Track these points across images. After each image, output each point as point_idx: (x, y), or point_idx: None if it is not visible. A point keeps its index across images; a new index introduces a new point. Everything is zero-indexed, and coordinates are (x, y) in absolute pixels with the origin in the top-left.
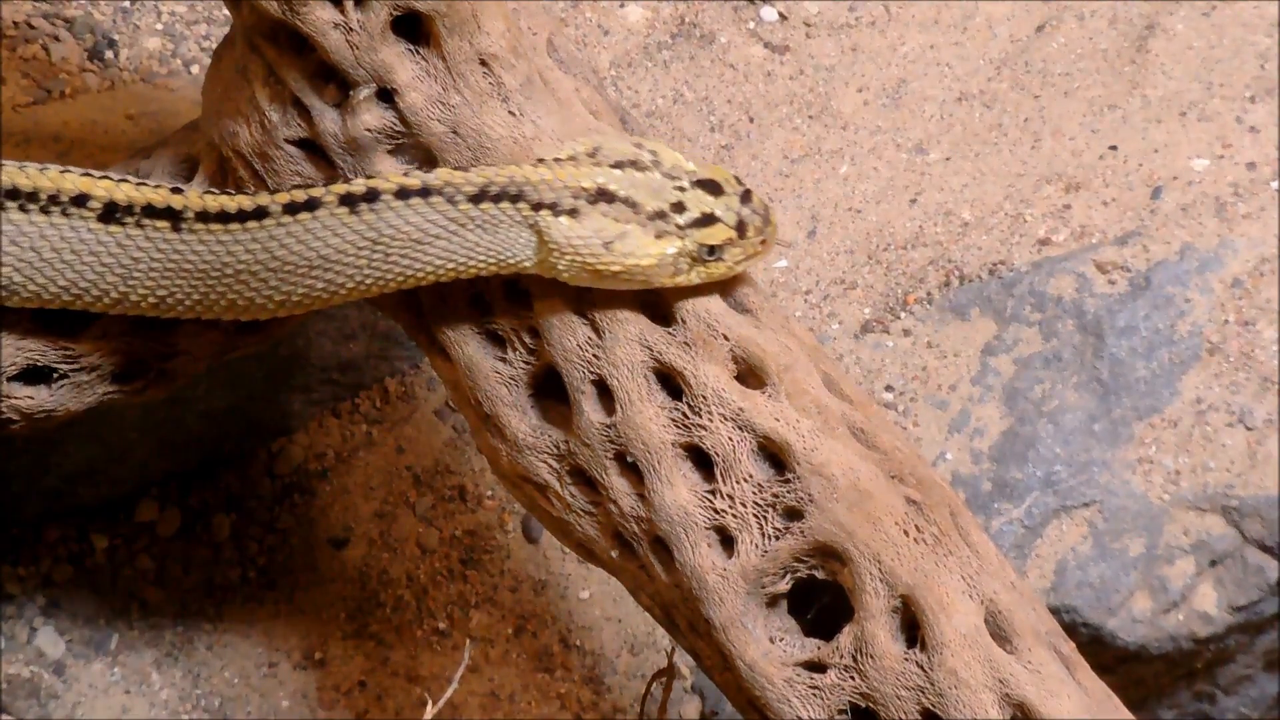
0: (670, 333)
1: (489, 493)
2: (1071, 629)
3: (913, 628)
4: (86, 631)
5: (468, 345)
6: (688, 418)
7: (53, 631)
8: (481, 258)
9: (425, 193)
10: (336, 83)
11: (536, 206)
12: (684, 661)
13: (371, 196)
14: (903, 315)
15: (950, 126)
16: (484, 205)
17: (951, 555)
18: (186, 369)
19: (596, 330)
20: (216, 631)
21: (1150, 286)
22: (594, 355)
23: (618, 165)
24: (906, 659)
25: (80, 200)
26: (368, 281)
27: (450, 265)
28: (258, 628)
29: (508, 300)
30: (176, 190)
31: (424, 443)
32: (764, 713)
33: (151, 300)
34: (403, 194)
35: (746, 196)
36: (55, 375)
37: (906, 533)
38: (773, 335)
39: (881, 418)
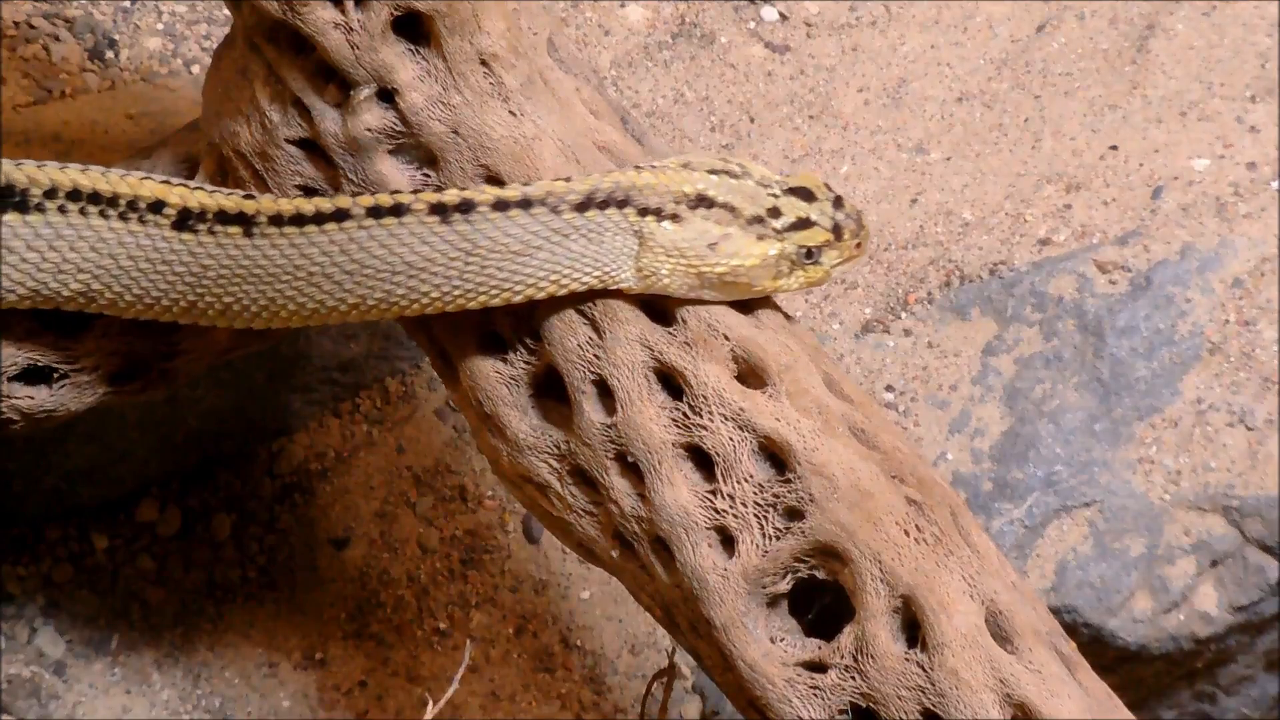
0: (671, 333)
1: (489, 493)
2: (1072, 629)
3: (913, 628)
4: (87, 631)
5: (469, 345)
6: (688, 418)
7: (53, 631)
8: (585, 270)
9: (526, 204)
10: (337, 83)
11: (642, 212)
12: (685, 661)
13: (466, 207)
14: (903, 315)
15: (951, 126)
16: (590, 213)
17: (952, 555)
18: (187, 369)
19: (597, 330)
20: (217, 631)
21: (1151, 286)
22: (595, 355)
23: (712, 172)
24: (907, 659)
25: (156, 207)
26: (456, 293)
27: (551, 279)
28: (258, 628)
29: None
30: (249, 196)
31: (424, 443)
32: (765, 713)
33: (218, 307)
34: (500, 206)
35: (839, 202)
36: (55, 375)
37: (907, 533)
38: (773, 335)
39: (882, 418)
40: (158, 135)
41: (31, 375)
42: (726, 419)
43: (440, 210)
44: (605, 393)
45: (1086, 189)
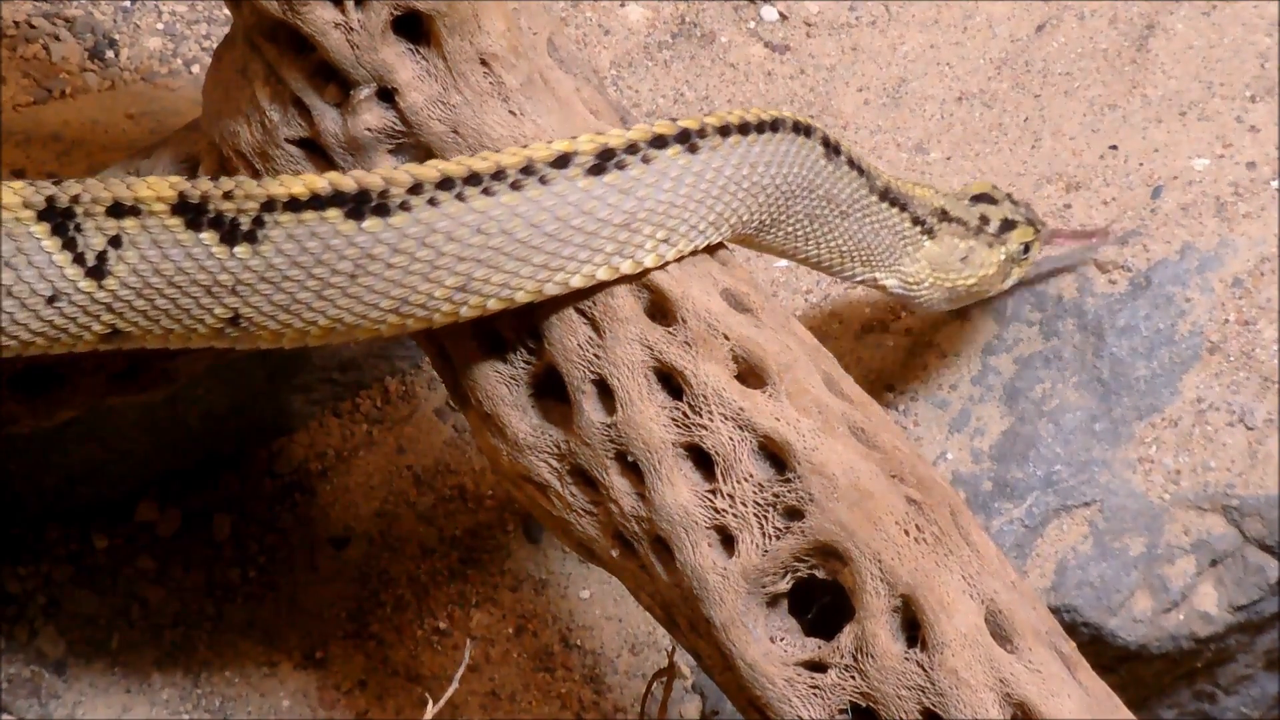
0: (670, 332)
1: (490, 492)
2: (1072, 628)
3: (913, 627)
4: (87, 631)
5: (469, 345)
6: (688, 417)
7: (53, 631)
8: (863, 253)
9: (858, 167)
10: (337, 82)
11: (914, 221)
12: (685, 661)
13: (836, 149)
14: (903, 314)
15: (950, 126)
16: (884, 204)
17: (952, 555)
18: (187, 368)
19: (597, 330)
20: (217, 631)
21: (1150, 286)
22: (595, 355)
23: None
24: (907, 658)
25: (562, 162)
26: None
27: (839, 251)
28: (258, 627)
29: None
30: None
31: (424, 442)
32: (764, 712)
33: (652, 232)
34: (836, 152)
35: (1011, 198)
36: (56, 375)
37: (907, 532)
38: (773, 334)
39: (882, 417)
40: (158, 135)
41: (32, 375)
42: (726, 418)
43: (804, 129)
44: (605, 392)
45: (1086, 189)
